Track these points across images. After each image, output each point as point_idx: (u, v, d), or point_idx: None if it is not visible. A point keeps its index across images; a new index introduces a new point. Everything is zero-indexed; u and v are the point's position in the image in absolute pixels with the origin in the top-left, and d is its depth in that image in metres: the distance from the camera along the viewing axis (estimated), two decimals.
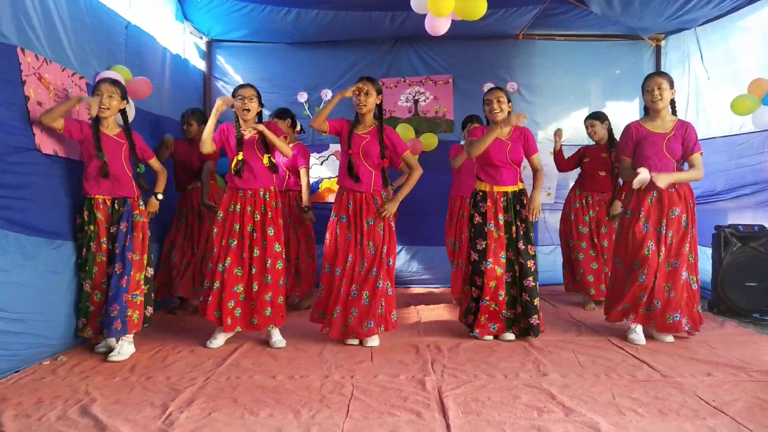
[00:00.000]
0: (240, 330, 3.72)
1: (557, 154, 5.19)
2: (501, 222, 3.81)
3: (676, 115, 3.88)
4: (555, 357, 3.38)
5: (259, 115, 3.82)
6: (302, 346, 3.67)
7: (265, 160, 3.72)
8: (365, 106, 3.75)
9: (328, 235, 3.86)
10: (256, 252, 3.69)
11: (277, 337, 3.74)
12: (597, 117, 5.02)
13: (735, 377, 2.95)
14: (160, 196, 3.76)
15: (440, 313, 4.86)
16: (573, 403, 2.58)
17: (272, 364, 3.29)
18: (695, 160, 3.75)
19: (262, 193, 3.73)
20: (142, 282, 3.55)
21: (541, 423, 2.37)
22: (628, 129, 3.88)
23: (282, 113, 5.02)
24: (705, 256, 5.00)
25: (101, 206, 3.49)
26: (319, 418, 2.45)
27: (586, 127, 5.06)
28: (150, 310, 3.63)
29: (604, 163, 4.95)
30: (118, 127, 3.60)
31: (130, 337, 3.48)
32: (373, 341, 3.70)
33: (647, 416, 2.44)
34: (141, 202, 3.63)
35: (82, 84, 3.74)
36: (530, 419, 2.41)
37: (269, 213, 3.74)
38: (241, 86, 3.74)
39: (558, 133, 5.16)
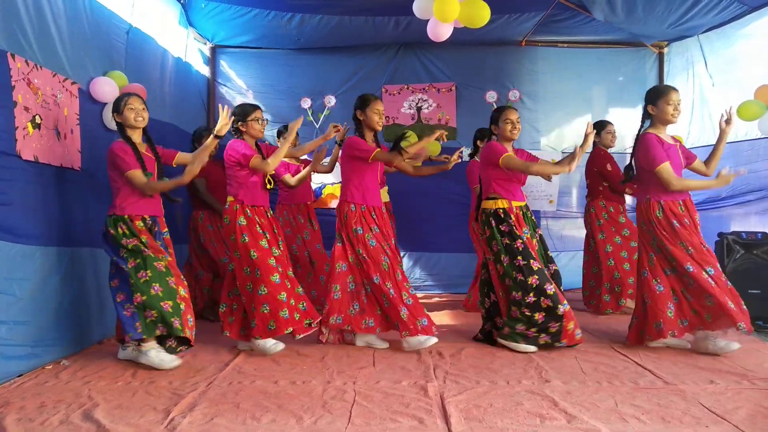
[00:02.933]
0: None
1: (610, 163, 4.91)
2: (528, 235, 3.80)
3: None
4: (557, 364, 3.38)
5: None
6: (304, 352, 3.68)
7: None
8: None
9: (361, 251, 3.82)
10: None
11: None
12: (611, 124, 5.09)
13: (738, 385, 2.94)
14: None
15: (443, 319, 4.85)
16: (575, 410, 2.58)
17: (274, 369, 3.29)
18: (699, 165, 3.88)
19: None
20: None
21: (544, 430, 2.36)
22: (654, 138, 3.63)
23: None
24: None
25: (138, 225, 3.38)
26: (321, 423, 2.45)
27: (609, 134, 5.03)
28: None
29: (604, 173, 4.95)
30: (143, 143, 3.51)
31: None
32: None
33: (649, 423, 2.43)
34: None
35: (74, 89, 3.72)
36: (532, 426, 2.41)
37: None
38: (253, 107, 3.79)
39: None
